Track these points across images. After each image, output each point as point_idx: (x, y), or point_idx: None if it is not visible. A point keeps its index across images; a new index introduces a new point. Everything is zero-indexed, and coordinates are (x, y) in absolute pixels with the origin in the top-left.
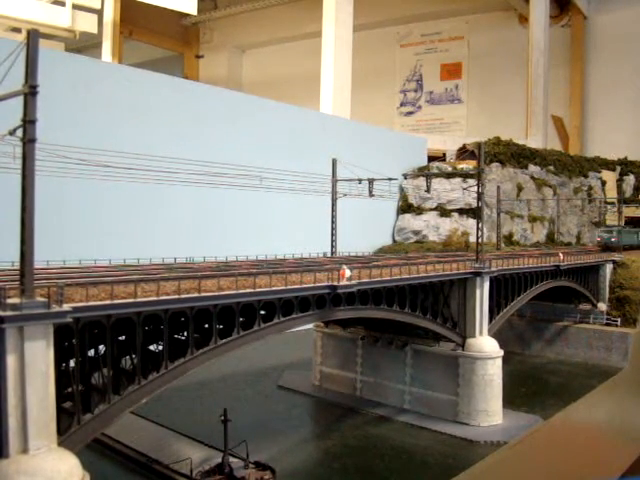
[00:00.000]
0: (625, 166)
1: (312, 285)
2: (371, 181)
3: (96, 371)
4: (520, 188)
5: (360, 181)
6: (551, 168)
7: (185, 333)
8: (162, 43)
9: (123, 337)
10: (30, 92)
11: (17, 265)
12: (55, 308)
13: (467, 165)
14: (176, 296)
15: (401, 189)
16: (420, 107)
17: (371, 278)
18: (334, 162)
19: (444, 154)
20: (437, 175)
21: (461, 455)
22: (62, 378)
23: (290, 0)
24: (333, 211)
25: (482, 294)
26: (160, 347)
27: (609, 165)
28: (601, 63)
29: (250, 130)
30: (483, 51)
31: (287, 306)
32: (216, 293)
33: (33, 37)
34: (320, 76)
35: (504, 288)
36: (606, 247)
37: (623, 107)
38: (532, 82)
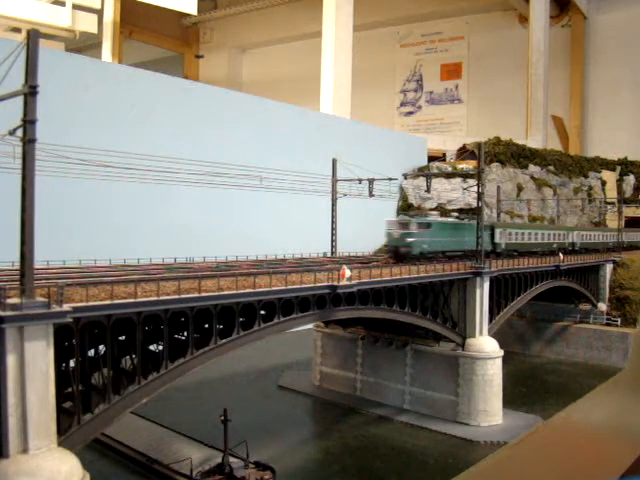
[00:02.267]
0: (625, 166)
1: (312, 285)
2: (371, 181)
3: (96, 371)
4: (520, 188)
5: (360, 181)
6: (551, 168)
7: (185, 333)
8: (162, 43)
9: (123, 337)
10: (30, 92)
11: (17, 265)
12: (55, 308)
13: (467, 165)
14: (176, 296)
15: (401, 189)
16: (420, 107)
17: (371, 278)
18: (334, 162)
19: (444, 154)
20: (437, 175)
21: (461, 455)
22: (62, 378)
23: (290, 0)
24: (333, 211)
25: (482, 294)
26: (160, 347)
27: (609, 165)
28: (601, 63)
29: (250, 130)
30: (483, 51)
31: (287, 306)
32: (216, 293)
33: (33, 37)
34: (320, 76)
35: (504, 288)
36: (396, 255)
37: (623, 107)
38: (532, 82)
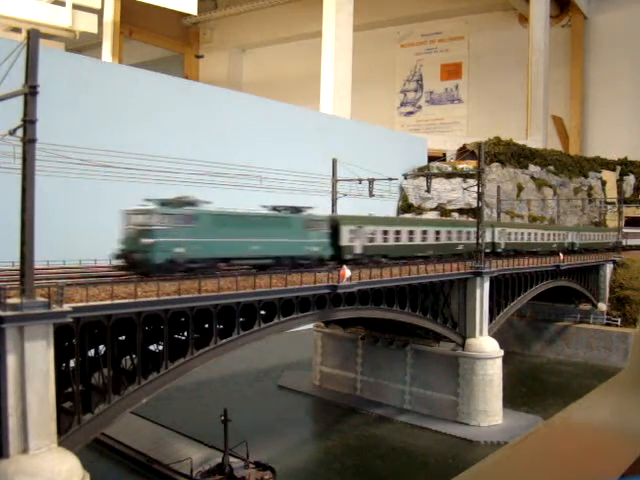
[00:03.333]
0: (625, 166)
1: (312, 285)
2: (371, 181)
3: (96, 371)
4: (520, 188)
5: (360, 181)
6: (551, 168)
7: (185, 333)
8: (162, 43)
9: (123, 337)
10: (30, 92)
11: (17, 265)
12: (55, 308)
13: (467, 165)
14: (176, 296)
15: (401, 189)
16: (420, 107)
17: (371, 278)
18: (334, 162)
19: (444, 154)
20: (437, 175)
21: (461, 455)
22: (62, 378)
23: (290, 0)
24: (333, 212)
25: (482, 294)
26: (160, 347)
27: (609, 165)
28: (601, 63)
29: (250, 130)
30: (483, 51)
31: (287, 306)
32: (216, 293)
33: (33, 37)
34: (320, 76)
35: (504, 288)
36: (129, 264)
37: (623, 107)
38: (532, 82)
